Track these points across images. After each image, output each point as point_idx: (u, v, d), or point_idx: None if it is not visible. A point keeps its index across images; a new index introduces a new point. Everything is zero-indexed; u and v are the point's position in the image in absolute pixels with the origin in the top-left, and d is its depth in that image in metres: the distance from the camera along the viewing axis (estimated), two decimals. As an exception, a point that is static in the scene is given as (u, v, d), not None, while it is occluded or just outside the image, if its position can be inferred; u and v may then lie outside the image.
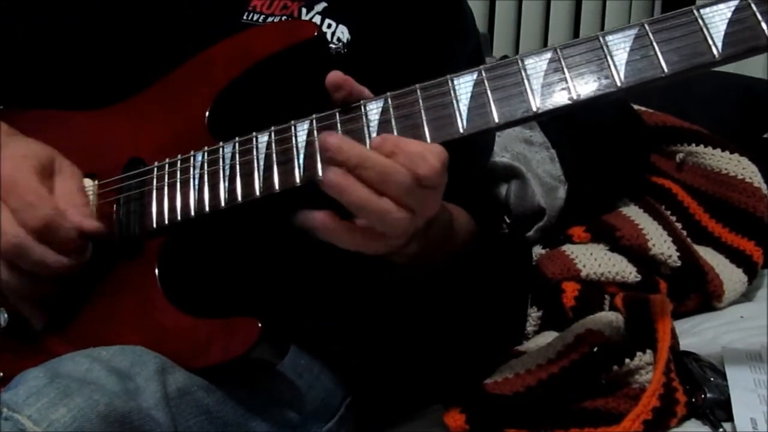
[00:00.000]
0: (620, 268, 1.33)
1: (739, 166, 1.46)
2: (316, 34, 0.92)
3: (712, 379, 0.96)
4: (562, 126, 1.52)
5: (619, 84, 0.78)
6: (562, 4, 2.29)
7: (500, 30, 2.39)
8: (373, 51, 1.00)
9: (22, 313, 0.92)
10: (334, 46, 0.99)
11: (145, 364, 0.81)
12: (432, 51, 1.01)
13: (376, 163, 0.75)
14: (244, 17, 1.01)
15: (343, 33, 1.00)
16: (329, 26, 1.01)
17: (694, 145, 1.52)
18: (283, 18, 1.01)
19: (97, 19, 1.05)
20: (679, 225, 1.44)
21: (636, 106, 1.62)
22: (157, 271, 0.89)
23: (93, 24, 1.05)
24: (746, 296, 1.41)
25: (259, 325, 0.83)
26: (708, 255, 1.39)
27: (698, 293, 1.35)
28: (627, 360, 0.98)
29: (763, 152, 1.52)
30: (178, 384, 0.82)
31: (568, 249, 1.38)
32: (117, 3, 1.05)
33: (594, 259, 1.34)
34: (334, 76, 0.82)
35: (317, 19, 1.01)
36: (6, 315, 0.94)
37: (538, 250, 1.43)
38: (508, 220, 1.46)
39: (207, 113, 0.93)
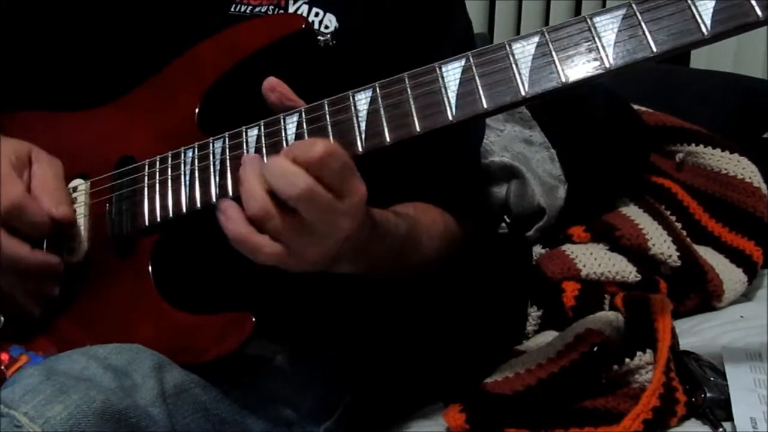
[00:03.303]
0: (620, 267, 1.33)
1: (738, 166, 1.46)
2: (303, 26, 0.92)
3: (712, 378, 0.95)
4: (562, 125, 1.52)
5: (608, 65, 0.77)
6: (562, 4, 2.29)
7: (500, 30, 2.39)
8: (362, 40, 0.99)
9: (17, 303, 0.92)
10: (321, 38, 0.99)
11: (142, 361, 0.81)
12: (420, 38, 1.02)
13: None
14: (232, 8, 1.01)
15: (330, 21, 1.00)
16: (317, 14, 1.00)
17: (693, 144, 1.52)
18: (271, 7, 1.00)
19: (85, 19, 1.05)
20: (679, 225, 1.43)
21: (636, 106, 1.62)
22: (150, 268, 0.89)
23: (81, 24, 1.05)
24: (746, 296, 1.40)
25: (253, 319, 0.83)
26: (708, 255, 1.38)
27: (698, 293, 1.35)
28: (627, 359, 0.97)
29: (763, 152, 1.52)
30: (174, 381, 0.82)
31: (568, 249, 1.37)
32: (104, 2, 1.05)
33: (594, 259, 1.34)
34: (269, 82, 0.84)
35: (304, 8, 1.01)
36: (1, 317, 0.94)
37: (538, 250, 1.43)
38: (508, 220, 1.46)
39: (197, 110, 0.93)
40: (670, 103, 1.64)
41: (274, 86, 0.84)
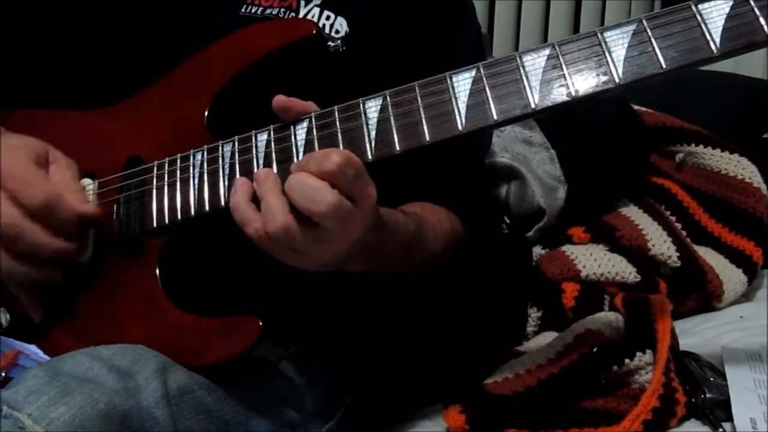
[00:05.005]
0: (620, 268, 1.33)
1: (738, 166, 1.46)
2: (314, 32, 0.91)
3: (711, 379, 0.96)
4: (562, 126, 1.52)
5: (617, 80, 0.78)
6: (562, 3, 2.29)
7: (500, 30, 2.39)
8: (372, 46, 0.99)
9: (22, 304, 0.92)
10: (332, 43, 0.99)
11: (146, 362, 0.81)
12: (431, 43, 1.02)
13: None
14: (243, 9, 1.01)
15: (341, 25, 1.00)
16: (328, 18, 1.00)
17: (693, 145, 1.52)
18: (282, 10, 1.01)
19: (96, 18, 1.05)
20: (678, 225, 1.43)
21: (636, 106, 1.62)
22: (157, 270, 0.90)
23: (92, 22, 1.05)
24: (746, 296, 1.41)
25: (260, 323, 0.83)
26: (708, 255, 1.39)
27: (698, 293, 1.35)
28: (627, 360, 0.98)
29: (763, 152, 1.52)
30: (178, 383, 0.83)
31: (568, 249, 1.38)
32: (115, 1, 1.05)
33: (594, 260, 1.34)
34: (279, 100, 0.84)
35: (315, 11, 1.01)
36: (7, 315, 0.94)
37: (538, 251, 1.43)
38: (508, 221, 1.46)
39: (206, 112, 0.93)
40: (670, 103, 1.63)
41: (284, 107, 0.84)
